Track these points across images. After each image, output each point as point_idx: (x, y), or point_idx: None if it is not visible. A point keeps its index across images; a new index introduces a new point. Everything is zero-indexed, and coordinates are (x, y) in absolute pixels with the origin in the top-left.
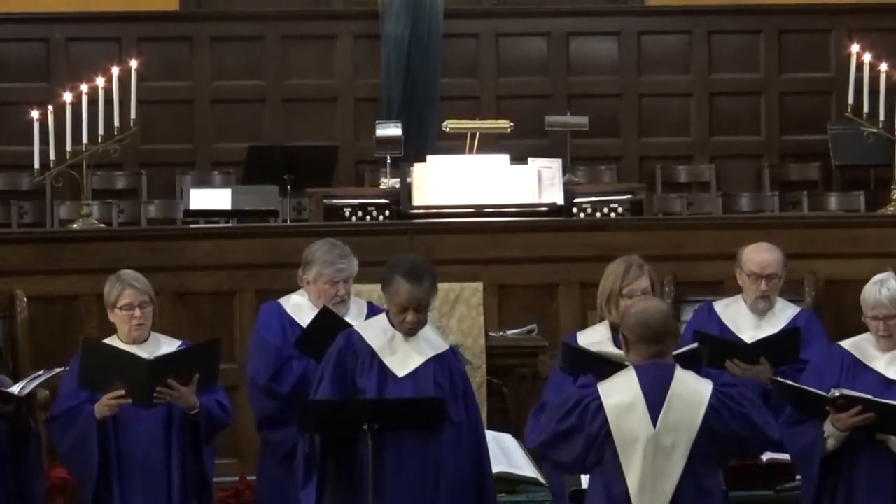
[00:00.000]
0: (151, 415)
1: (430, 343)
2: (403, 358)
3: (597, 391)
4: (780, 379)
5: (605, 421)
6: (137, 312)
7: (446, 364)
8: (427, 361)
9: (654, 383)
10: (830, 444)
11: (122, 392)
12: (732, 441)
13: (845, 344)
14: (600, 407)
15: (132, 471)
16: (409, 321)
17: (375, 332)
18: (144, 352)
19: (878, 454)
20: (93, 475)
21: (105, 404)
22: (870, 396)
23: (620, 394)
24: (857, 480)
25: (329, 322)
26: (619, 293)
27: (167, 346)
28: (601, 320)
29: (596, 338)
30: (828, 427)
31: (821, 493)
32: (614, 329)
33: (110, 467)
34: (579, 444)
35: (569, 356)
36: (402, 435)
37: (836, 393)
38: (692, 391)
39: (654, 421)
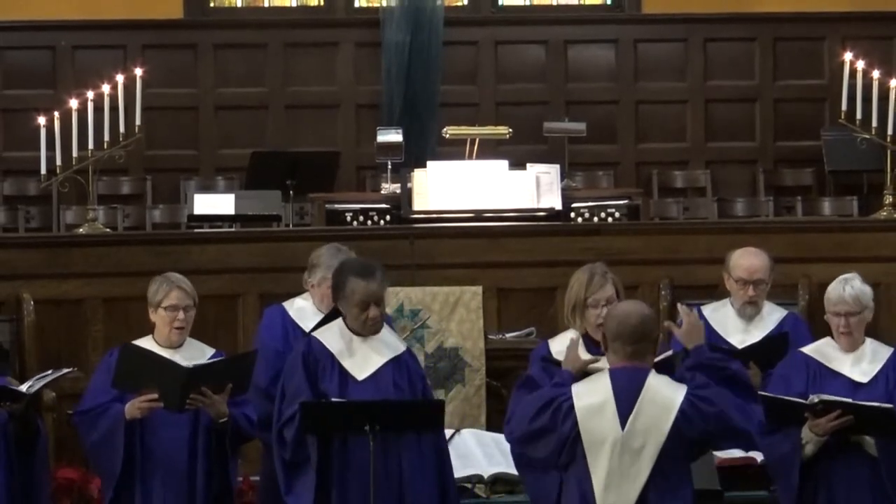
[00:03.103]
0: (179, 418)
1: (387, 345)
2: (362, 361)
3: (570, 391)
4: (759, 392)
5: (576, 422)
6: (181, 315)
7: (404, 365)
8: (386, 364)
9: (626, 387)
10: (809, 449)
11: (156, 396)
12: (704, 441)
13: (808, 350)
14: (572, 408)
15: (155, 471)
16: (373, 316)
17: (333, 336)
18: (180, 356)
19: (854, 456)
20: (115, 472)
21: (137, 406)
22: (849, 400)
23: (592, 395)
24: (835, 483)
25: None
26: (583, 302)
27: (201, 351)
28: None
29: (567, 344)
30: (806, 433)
31: (801, 499)
32: (585, 337)
33: (134, 466)
34: (552, 444)
35: (547, 368)
36: (365, 439)
37: (816, 399)
38: (664, 396)
39: (623, 423)
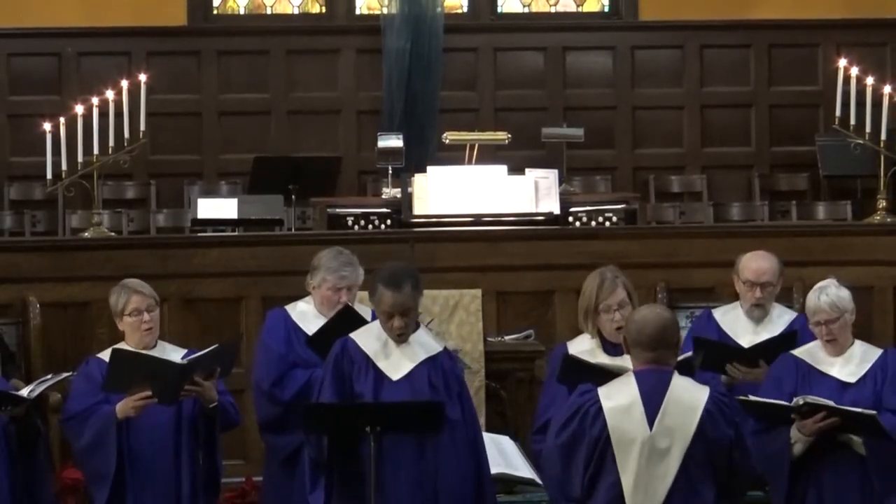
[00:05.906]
0: (161, 415)
1: (423, 346)
2: (397, 362)
3: (596, 395)
4: (743, 397)
5: (606, 424)
6: (146, 316)
7: (440, 365)
8: (421, 364)
9: (652, 388)
10: (798, 448)
11: (149, 393)
12: (723, 448)
13: (797, 352)
14: (600, 410)
15: (142, 469)
16: (397, 326)
17: (369, 338)
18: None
19: (844, 455)
20: (109, 473)
21: (131, 406)
22: (832, 403)
23: (619, 397)
24: (825, 482)
25: (350, 319)
26: (595, 309)
27: (173, 353)
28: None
29: (585, 346)
30: (794, 433)
31: (790, 497)
32: (602, 338)
33: (123, 467)
34: (582, 452)
35: (567, 366)
36: (401, 436)
37: (801, 401)
38: (689, 396)
39: (651, 424)
